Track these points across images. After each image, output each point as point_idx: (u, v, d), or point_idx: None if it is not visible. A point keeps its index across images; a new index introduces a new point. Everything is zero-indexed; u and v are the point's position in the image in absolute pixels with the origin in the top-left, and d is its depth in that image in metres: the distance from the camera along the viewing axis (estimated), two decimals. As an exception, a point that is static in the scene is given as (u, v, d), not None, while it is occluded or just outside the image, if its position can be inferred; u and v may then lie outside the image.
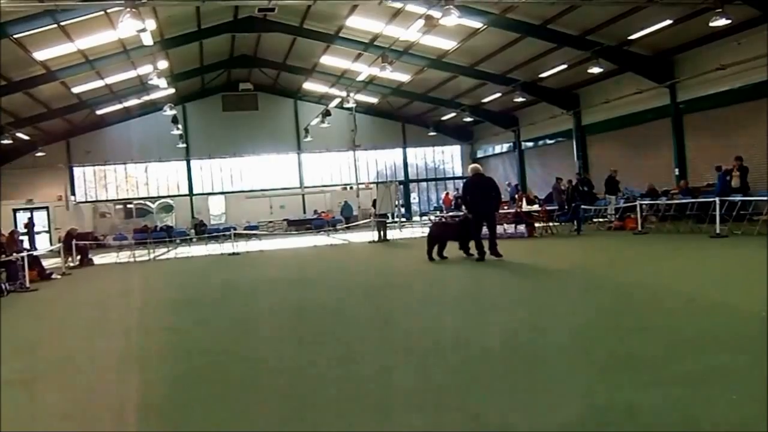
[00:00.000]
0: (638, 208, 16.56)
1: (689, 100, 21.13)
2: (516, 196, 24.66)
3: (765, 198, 14.39)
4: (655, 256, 11.72)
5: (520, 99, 26.84)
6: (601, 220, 19.93)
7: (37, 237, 29.20)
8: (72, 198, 32.29)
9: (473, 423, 3.53)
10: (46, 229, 30.35)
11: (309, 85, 34.22)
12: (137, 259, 20.36)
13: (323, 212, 32.91)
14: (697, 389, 3.82)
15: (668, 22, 18.64)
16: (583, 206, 18.84)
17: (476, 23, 20.91)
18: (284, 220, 33.08)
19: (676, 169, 21.73)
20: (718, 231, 13.21)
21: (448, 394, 4.08)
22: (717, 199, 13.80)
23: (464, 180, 12.26)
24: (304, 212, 34.16)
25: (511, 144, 33.54)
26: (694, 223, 15.44)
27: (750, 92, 18.38)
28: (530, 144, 32.03)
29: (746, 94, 18.56)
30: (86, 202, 33.76)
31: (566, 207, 20.52)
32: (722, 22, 16.26)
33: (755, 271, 8.34)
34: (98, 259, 20.87)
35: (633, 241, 14.43)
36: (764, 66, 17.29)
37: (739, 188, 16.36)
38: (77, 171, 34.66)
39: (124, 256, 21.30)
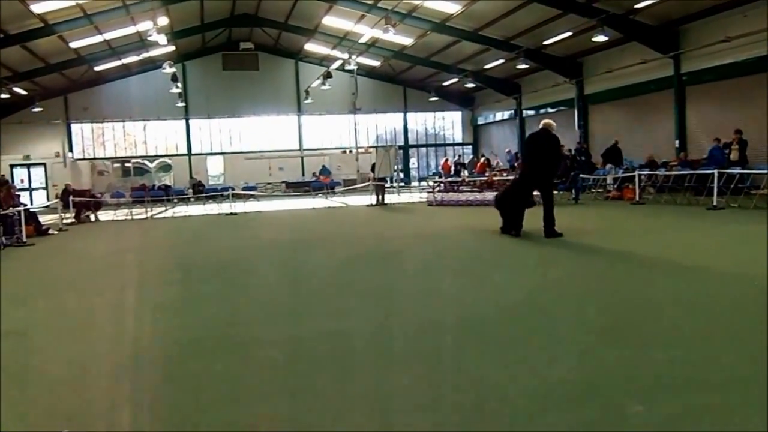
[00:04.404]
0: (636, 179, 16.59)
1: (693, 72, 20.95)
2: (516, 164, 24.60)
3: (763, 171, 14.41)
4: (651, 226, 11.79)
5: (523, 66, 26.56)
6: (599, 189, 19.98)
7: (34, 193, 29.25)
8: (69, 155, 32.12)
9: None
10: (44, 185, 30.34)
11: (311, 47, 33.82)
12: (134, 217, 20.45)
13: (322, 175, 32.88)
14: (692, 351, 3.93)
15: (676, -9, 18.42)
16: (582, 175, 18.87)
17: (481, -14, 20.62)
18: (283, 182, 33.06)
19: (677, 141, 21.69)
20: (715, 203, 13.29)
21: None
22: (716, 171, 13.83)
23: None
24: (303, 175, 34.11)
25: (513, 111, 33.35)
26: (692, 195, 15.49)
27: (754, 65, 18.21)
28: (531, 112, 31.81)
29: (750, 67, 18.38)
30: (84, 159, 33.55)
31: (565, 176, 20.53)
32: (730, -8, 16.05)
33: (750, 242, 8.45)
34: (95, 216, 20.84)
35: (630, 211, 14.49)
36: (769, 39, 17.12)
37: (738, 161, 16.41)
38: (75, 127, 34.47)
39: (121, 213, 21.34)
